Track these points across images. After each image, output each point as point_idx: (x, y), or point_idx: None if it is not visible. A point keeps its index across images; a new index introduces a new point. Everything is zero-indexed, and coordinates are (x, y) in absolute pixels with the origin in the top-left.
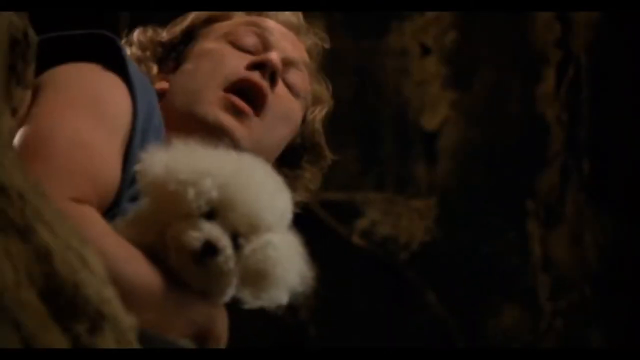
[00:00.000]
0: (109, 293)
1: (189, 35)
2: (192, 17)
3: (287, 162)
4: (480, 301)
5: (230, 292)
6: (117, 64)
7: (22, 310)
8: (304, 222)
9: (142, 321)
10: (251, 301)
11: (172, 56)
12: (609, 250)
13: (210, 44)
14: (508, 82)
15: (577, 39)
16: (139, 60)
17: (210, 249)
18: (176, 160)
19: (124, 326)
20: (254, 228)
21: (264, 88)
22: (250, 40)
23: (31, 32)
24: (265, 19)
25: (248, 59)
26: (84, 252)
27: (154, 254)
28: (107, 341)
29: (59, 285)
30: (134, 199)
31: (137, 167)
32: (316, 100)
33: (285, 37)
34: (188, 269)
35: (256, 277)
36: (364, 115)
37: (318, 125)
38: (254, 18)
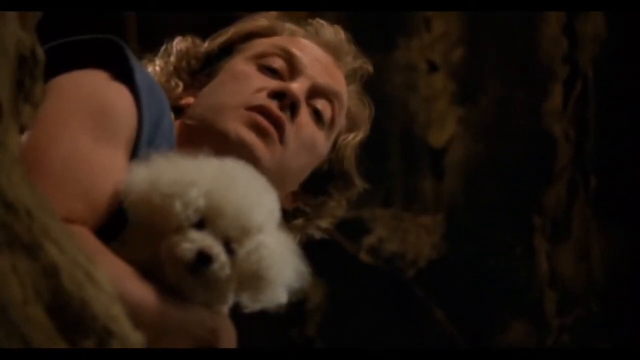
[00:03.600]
0: (117, 310)
1: (227, 50)
2: (232, 32)
3: (312, 189)
4: (487, 317)
5: (230, 299)
6: (124, 71)
7: (29, 326)
8: (312, 239)
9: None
10: (251, 305)
11: (206, 71)
12: (616, 266)
13: (240, 64)
14: (515, 98)
15: (584, 55)
16: (172, 73)
17: (204, 258)
18: (159, 174)
19: (132, 343)
20: (245, 231)
21: (280, 119)
22: (278, 65)
23: (39, 50)
24: (303, 40)
25: (273, 84)
26: (92, 269)
27: (150, 271)
28: None
29: (66, 302)
30: None
31: (121, 187)
32: (351, 126)
33: (319, 62)
34: (185, 282)
35: (253, 280)
36: (371, 131)
37: (350, 153)
38: (291, 41)
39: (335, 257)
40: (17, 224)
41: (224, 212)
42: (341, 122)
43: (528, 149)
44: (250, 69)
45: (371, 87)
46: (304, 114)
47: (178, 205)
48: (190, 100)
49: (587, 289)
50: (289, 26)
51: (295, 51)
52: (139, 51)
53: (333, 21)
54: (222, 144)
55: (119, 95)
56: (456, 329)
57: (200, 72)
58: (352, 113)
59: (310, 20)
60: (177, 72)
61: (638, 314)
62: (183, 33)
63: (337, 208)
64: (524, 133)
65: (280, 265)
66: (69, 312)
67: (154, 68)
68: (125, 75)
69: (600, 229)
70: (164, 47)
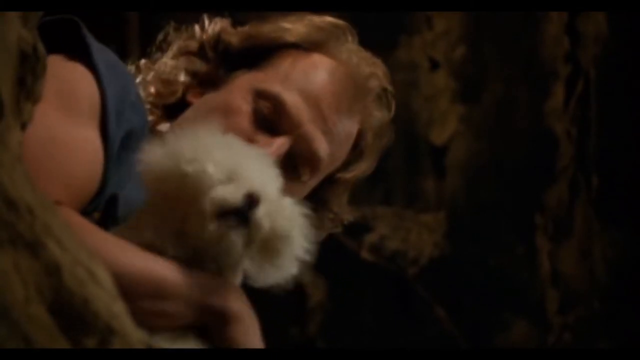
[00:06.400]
0: (119, 308)
1: (245, 55)
2: (262, 36)
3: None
4: (488, 315)
5: (241, 270)
6: (80, 49)
7: (31, 325)
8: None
9: (146, 313)
10: (265, 273)
11: (220, 71)
12: (617, 265)
13: (239, 94)
14: (517, 97)
15: (586, 54)
16: (195, 53)
17: (252, 200)
18: (176, 147)
19: (133, 340)
20: (269, 187)
21: None
22: (268, 114)
23: (40, 47)
24: (322, 75)
25: (253, 137)
26: (93, 266)
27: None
28: None
29: (68, 300)
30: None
31: (139, 168)
32: (355, 159)
33: (322, 112)
34: (226, 238)
35: (275, 239)
36: None
37: (341, 191)
38: (308, 74)
39: (336, 255)
40: (19, 222)
41: (248, 169)
42: (332, 166)
43: (529, 147)
44: (244, 107)
45: None
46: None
47: (210, 167)
48: (194, 98)
49: (588, 287)
50: (330, 44)
51: (293, 104)
52: (139, 51)
53: (335, 18)
54: None
55: (78, 74)
56: (457, 327)
57: (217, 68)
58: (362, 145)
59: (354, 39)
60: (201, 53)
61: (639, 313)
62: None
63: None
64: (525, 131)
65: (299, 228)
66: (70, 310)
67: (179, 44)
68: (81, 54)
69: (602, 228)
70: (194, 27)
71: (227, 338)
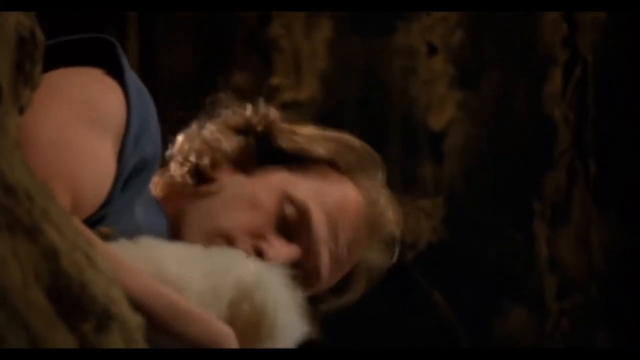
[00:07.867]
0: (116, 293)
1: (283, 153)
2: (310, 147)
3: None
4: (486, 301)
5: None
6: (115, 69)
7: (29, 310)
8: None
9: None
10: None
11: (256, 157)
12: (615, 251)
13: (267, 191)
14: (515, 82)
15: (584, 39)
16: (239, 133)
17: None
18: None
19: (131, 326)
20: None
21: None
22: (291, 220)
23: (39, 32)
24: (351, 200)
25: (267, 242)
26: (91, 251)
27: None
28: (113, 340)
29: (66, 285)
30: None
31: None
32: (333, 293)
33: (344, 240)
34: None
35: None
36: (370, 114)
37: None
38: (337, 192)
39: None
40: (17, 207)
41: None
42: (322, 287)
43: (527, 133)
44: (270, 206)
45: (370, 70)
46: None
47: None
48: (220, 174)
49: (586, 274)
50: (361, 174)
51: (318, 220)
52: (139, 51)
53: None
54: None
55: (108, 90)
56: (455, 312)
57: (259, 150)
58: (354, 279)
59: (383, 173)
60: (244, 133)
61: (637, 300)
62: (183, 33)
63: None
64: (524, 117)
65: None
66: (68, 294)
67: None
68: (115, 73)
69: (600, 215)
70: (246, 106)
71: None
